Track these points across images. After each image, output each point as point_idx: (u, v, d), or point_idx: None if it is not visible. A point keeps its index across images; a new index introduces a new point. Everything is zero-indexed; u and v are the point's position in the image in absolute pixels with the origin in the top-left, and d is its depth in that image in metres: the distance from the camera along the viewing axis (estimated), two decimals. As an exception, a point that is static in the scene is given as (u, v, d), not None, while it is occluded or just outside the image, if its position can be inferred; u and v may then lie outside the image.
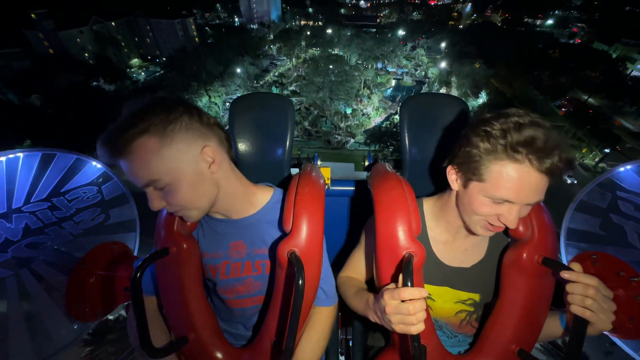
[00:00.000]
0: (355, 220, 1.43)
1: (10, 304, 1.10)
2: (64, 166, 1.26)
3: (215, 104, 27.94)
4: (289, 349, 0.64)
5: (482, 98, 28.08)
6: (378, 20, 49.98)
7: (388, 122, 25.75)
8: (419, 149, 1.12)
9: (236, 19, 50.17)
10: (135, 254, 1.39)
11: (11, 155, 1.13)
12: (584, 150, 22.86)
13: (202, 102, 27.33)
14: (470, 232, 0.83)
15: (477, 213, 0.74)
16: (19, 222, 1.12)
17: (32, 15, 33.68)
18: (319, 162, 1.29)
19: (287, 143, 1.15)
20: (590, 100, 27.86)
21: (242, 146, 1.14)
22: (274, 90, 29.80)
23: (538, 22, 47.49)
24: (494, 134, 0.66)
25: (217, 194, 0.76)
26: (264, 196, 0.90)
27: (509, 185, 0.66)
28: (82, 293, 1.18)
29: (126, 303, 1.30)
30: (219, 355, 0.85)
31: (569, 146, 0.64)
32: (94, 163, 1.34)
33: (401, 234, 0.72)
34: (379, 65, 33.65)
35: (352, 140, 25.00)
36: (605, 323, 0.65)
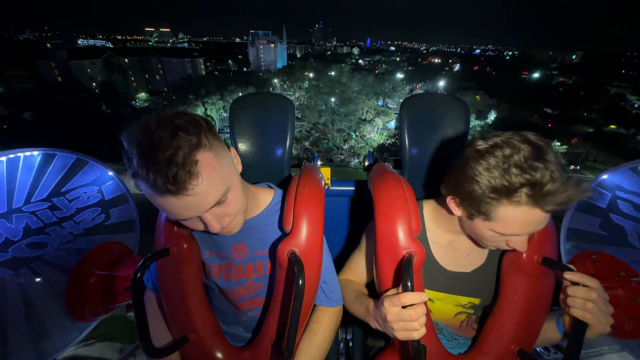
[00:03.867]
0: (355, 220, 1.43)
1: (10, 304, 1.09)
2: (64, 166, 1.26)
3: (211, 117, 26.31)
4: (289, 349, 0.64)
5: (492, 116, 27.96)
6: (376, 72, 53.13)
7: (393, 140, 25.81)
8: (419, 149, 1.12)
9: (244, 70, 53.62)
10: (135, 254, 1.39)
11: (11, 155, 1.13)
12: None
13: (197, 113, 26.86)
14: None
15: (486, 240, 0.75)
16: (20, 222, 1.12)
17: (48, 45, 33.99)
18: (319, 162, 1.29)
19: (287, 143, 1.15)
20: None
21: (242, 146, 1.14)
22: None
23: (524, 77, 53.28)
24: (495, 173, 0.62)
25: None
26: (266, 197, 0.90)
27: (516, 224, 0.66)
28: (82, 293, 1.18)
29: (126, 303, 1.30)
30: (219, 355, 0.85)
31: (570, 181, 0.60)
32: (94, 163, 1.34)
33: (401, 234, 0.72)
34: (380, 102, 34.00)
35: (356, 160, 25.05)
36: (604, 326, 0.65)
